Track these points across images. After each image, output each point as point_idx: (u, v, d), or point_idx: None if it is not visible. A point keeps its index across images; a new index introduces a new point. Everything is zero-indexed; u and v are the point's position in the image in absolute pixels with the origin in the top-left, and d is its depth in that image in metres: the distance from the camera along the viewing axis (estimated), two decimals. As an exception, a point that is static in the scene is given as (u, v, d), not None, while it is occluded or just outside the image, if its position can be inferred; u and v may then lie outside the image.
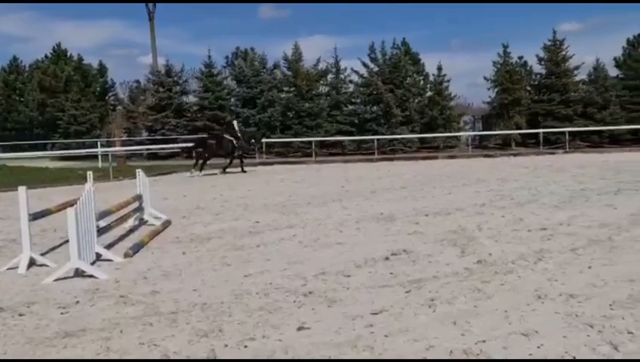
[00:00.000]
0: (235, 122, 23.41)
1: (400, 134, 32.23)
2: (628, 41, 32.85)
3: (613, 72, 31.92)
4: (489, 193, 12.18)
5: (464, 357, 3.58)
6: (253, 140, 24.68)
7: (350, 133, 32.62)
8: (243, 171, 21.64)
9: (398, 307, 4.65)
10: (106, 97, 45.82)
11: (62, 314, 4.90)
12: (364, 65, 35.30)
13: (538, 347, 3.70)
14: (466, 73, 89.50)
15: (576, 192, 11.57)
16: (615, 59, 32.39)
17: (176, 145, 30.14)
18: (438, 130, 33.14)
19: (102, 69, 46.07)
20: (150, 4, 40.68)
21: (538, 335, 3.90)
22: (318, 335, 4.07)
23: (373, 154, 29.85)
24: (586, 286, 5.02)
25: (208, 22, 79.14)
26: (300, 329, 4.23)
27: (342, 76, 35.56)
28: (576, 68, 31.74)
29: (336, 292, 5.17)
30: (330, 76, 35.59)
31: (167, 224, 9.48)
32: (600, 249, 6.45)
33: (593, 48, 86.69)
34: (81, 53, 45.82)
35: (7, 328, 4.59)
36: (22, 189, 6.73)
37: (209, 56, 35.43)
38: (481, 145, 34.25)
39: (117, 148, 30.98)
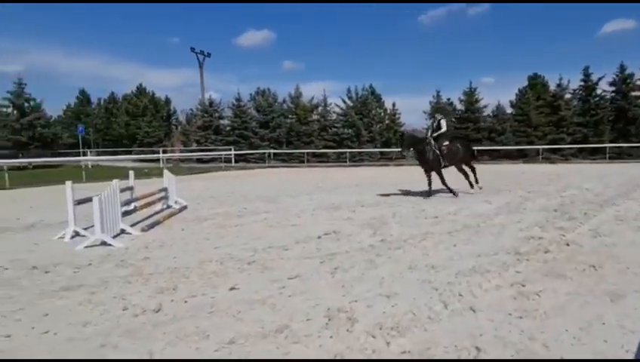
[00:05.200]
0: None
1: (366, 148, 31.83)
2: (519, 90, 32.44)
3: (509, 110, 31.45)
4: (412, 192, 11.84)
5: (338, 314, 3.31)
6: None
7: (332, 147, 32.16)
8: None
9: (309, 274, 4.38)
10: (170, 120, 45.36)
11: (74, 272, 4.62)
12: (343, 101, 34.86)
13: (392, 306, 3.44)
14: (413, 108, 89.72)
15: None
16: (510, 101, 31.96)
17: (213, 153, 29.78)
18: (392, 147, 32.73)
19: (167, 101, 45.65)
20: (200, 57, 40.29)
21: (397, 296, 3.64)
22: (241, 295, 3.80)
23: (346, 162, 29.45)
24: (446, 259, 4.73)
25: (247, 70, 79.31)
26: (231, 289, 3.96)
27: (328, 108, 35.10)
28: (485, 106, 31.37)
29: (272, 261, 4.88)
30: (320, 108, 35.10)
31: (183, 208, 9.18)
32: (468, 232, 6.14)
33: (498, 93, 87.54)
34: (157, 91, 45.70)
35: (31, 281, 4.33)
36: (68, 183, 6.45)
37: (238, 93, 35.09)
38: (422, 157, 33.79)
39: (174, 155, 30.57)
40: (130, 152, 38.23)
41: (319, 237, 6.07)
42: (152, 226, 7.09)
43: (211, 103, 35.88)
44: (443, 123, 10.43)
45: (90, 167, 25.01)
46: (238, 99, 35.20)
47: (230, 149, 29.11)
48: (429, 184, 10.26)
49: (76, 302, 3.68)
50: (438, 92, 33.38)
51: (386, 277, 4.19)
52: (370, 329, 3.01)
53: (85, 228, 6.62)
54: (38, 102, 32.80)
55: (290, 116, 34.82)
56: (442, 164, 10.13)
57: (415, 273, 4.29)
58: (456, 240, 5.68)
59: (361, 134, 32.85)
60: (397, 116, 35.05)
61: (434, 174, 10.20)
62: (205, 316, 3.31)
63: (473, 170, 11.11)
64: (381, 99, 36.14)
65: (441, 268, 4.43)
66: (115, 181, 6.63)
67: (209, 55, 40.59)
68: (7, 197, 12.56)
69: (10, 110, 31.71)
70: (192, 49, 39.30)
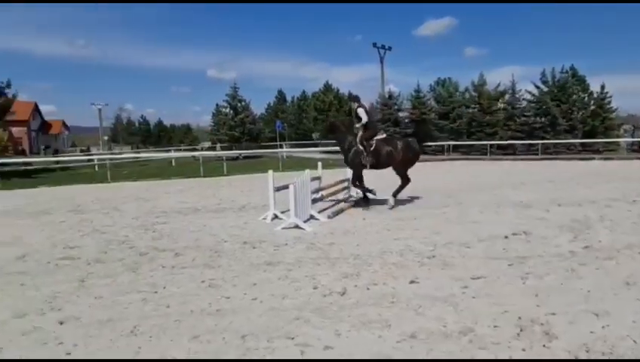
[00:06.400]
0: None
1: (563, 140, 27.64)
2: None
3: None
4: (626, 190, 9.77)
5: (532, 325, 2.96)
6: None
7: (520, 138, 28.96)
8: None
9: (495, 276, 4.03)
10: (352, 114, 47.87)
11: (274, 250, 5.27)
12: (536, 86, 30.95)
13: (602, 327, 2.90)
14: (631, 90, 73.38)
15: None
16: None
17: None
18: (598, 136, 27.64)
19: (349, 96, 48.30)
20: (381, 51, 41.11)
21: (608, 316, 3.05)
22: (421, 289, 3.74)
23: (537, 154, 26.13)
24: (681, 280, 3.74)
25: (427, 61, 78.36)
26: (411, 282, 3.93)
27: (517, 95, 31.69)
28: None
29: (453, 258, 4.67)
30: (507, 96, 31.97)
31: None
32: None
33: None
34: (341, 87, 48.75)
35: (243, 254, 5.11)
36: (270, 172, 7.41)
37: (418, 85, 34.77)
38: (640, 150, 27.56)
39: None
40: (317, 145, 41.99)
41: (506, 237, 5.54)
42: (336, 214, 7.60)
43: (390, 96, 36.39)
44: (361, 112, 8.38)
45: (285, 157, 28.31)
46: (417, 91, 34.84)
47: (408, 141, 29.11)
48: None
49: (276, 276, 4.20)
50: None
51: (593, 291, 3.55)
52: (573, 349, 2.60)
53: (282, 212, 7.46)
54: (247, 102, 38.76)
55: (472, 106, 32.70)
56: (363, 164, 8.24)
57: (634, 291, 3.53)
58: (697, 255, 4.44)
59: (557, 123, 28.69)
60: (607, 100, 29.37)
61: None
62: (387, 305, 3.37)
63: (403, 181, 8.55)
64: (585, 81, 30.80)
65: (674, 289, 3.52)
66: (306, 171, 7.32)
67: (389, 49, 40.98)
68: (226, 182, 15.20)
69: (228, 110, 38.32)
70: (374, 44, 40.25)
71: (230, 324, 3.11)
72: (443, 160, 25.23)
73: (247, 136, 37.43)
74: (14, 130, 37.28)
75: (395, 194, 8.27)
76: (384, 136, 8.66)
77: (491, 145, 27.95)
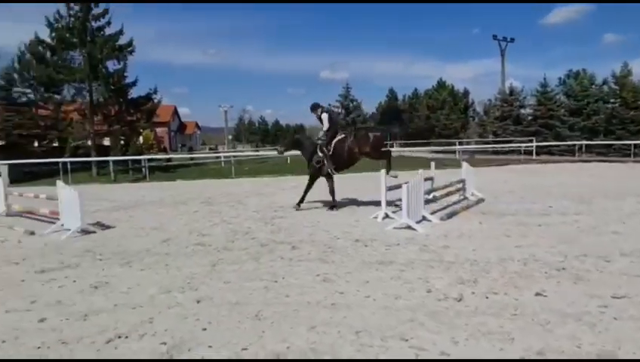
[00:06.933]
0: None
1: None
2: None
3: None
4: None
5: (694, 358, 2.49)
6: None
7: (678, 137, 24.50)
8: None
9: (643, 296, 3.48)
10: (467, 111, 45.30)
11: (386, 249, 5.25)
12: (701, 75, 25.91)
13: None
14: None
15: None
16: None
17: (511, 145, 27.79)
18: None
19: (465, 93, 45.77)
20: (502, 44, 38.11)
21: None
22: (550, 303, 3.40)
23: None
24: None
25: (555, 51, 70.61)
26: (537, 294, 3.59)
27: (674, 87, 26.87)
28: None
29: (588, 273, 4.15)
30: (660, 87, 27.30)
31: (480, 201, 8.99)
32: None
33: None
34: (455, 83, 46.59)
35: (355, 251, 5.19)
36: (382, 172, 7.39)
37: (544, 78, 31.53)
38: None
39: (469, 147, 30.47)
40: (428, 144, 40.66)
41: (658, 253, 4.74)
42: (450, 216, 7.28)
43: (512, 92, 33.68)
44: (324, 118, 8.39)
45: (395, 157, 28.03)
46: (544, 85, 31.73)
47: (531, 140, 26.51)
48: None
49: (388, 276, 4.19)
50: None
51: None
52: None
53: (393, 212, 7.41)
54: (358, 102, 39.24)
55: (612, 100, 28.65)
56: (324, 171, 8.60)
57: None
58: None
59: None
60: None
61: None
62: (509, 317, 3.13)
63: (384, 159, 8.27)
64: None
65: None
66: (420, 171, 7.14)
67: (512, 40, 37.92)
68: (335, 180, 15.53)
69: (339, 110, 39.27)
70: (494, 36, 37.62)
71: (344, 319, 3.19)
72: (572, 161, 22.49)
73: (358, 135, 37.84)
74: (158, 130, 42.93)
75: (388, 171, 7.70)
76: (342, 136, 8.56)
77: (636, 146, 24.07)
